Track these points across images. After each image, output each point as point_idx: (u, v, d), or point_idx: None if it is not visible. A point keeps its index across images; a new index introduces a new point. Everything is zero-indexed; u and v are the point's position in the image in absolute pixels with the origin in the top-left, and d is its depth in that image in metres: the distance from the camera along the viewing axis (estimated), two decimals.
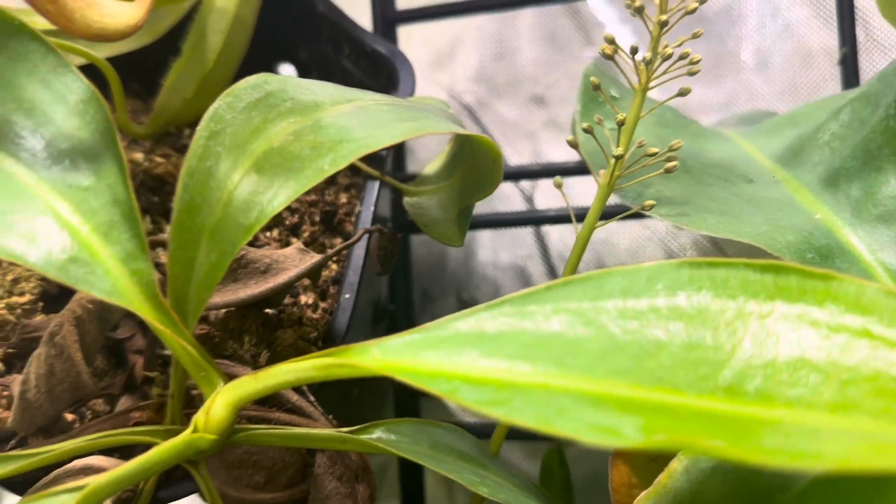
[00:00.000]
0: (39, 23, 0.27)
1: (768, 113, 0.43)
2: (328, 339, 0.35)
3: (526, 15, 0.59)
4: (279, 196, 0.24)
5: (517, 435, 0.43)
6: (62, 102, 0.25)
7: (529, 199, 0.57)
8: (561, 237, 0.57)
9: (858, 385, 0.19)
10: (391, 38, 0.47)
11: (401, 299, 0.48)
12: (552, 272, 0.57)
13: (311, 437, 0.28)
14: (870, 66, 0.48)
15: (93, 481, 0.23)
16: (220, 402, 0.25)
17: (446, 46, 0.59)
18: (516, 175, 0.48)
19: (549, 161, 0.55)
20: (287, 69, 0.52)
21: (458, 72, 0.59)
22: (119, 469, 0.23)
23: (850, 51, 0.40)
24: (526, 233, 0.58)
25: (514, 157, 0.57)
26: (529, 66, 0.58)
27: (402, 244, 0.47)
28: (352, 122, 0.26)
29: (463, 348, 0.23)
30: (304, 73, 0.46)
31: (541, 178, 0.50)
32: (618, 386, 0.20)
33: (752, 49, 0.53)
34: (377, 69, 0.42)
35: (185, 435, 0.25)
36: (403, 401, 0.49)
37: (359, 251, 0.36)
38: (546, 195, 0.57)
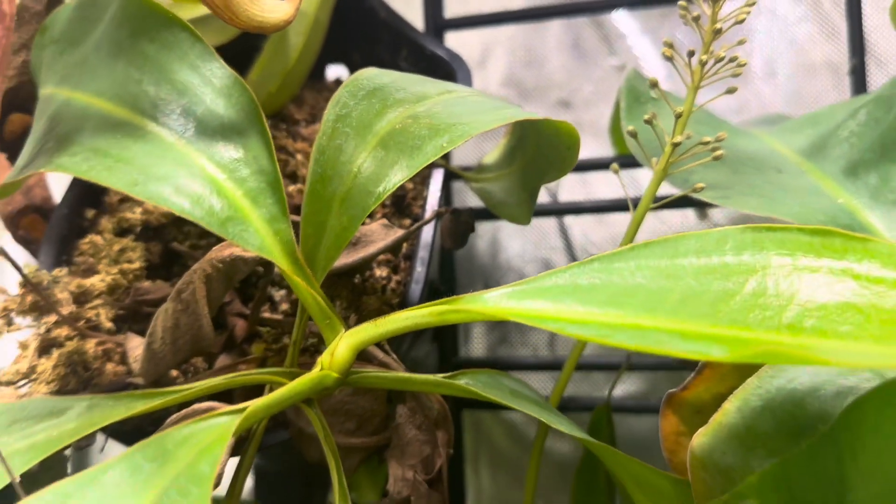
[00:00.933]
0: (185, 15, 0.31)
1: (782, 116, 0.48)
2: (403, 306, 0.39)
3: (554, 26, 0.63)
4: (404, 169, 0.28)
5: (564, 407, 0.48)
6: (209, 85, 0.29)
7: (554, 195, 0.62)
8: (583, 231, 0.62)
9: (894, 323, 0.24)
10: (439, 37, 0.52)
11: (447, 282, 0.52)
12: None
13: (413, 381, 0.32)
14: (871, 79, 0.54)
15: (251, 405, 0.27)
16: (344, 344, 0.29)
17: (479, 53, 0.64)
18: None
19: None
20: (339, 70, 0.56)
21: (490, 76, 0.64)
22: (270, 396, 0.27)
23: (859, 62, 0.45)
24: (549, 227, 0.63)
25: None
26: (556, 73, 0.63)
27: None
28: (458, 108, 0.30)
29: (562, 297, 0.27)
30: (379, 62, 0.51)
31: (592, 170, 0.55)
32: (700, 325, 0.25)
33: (762, 60, 0.58)
34: (434, 71, 0.46)
35: (315, 372, 0.29)
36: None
37: (427, 230, 0.40)
38: (567, 189, 0.61)
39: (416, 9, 0.52)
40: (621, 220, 0.59)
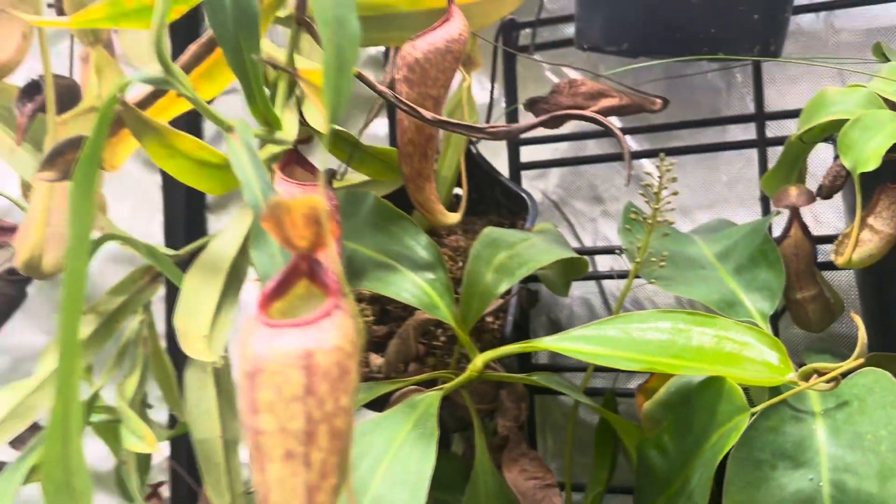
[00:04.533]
0: None
1: (726, 222, 0.80)
2: (503, 340, 0.73)
3: (590, 144, 0.96)
4: (507, 282, 0.62)
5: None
6: (419, 245, 0.64)
7: (594, 263, 0.95)
8: (613, 288, 0.95)
9: (716, 353, 0.56)
10: (518, 179, 0.86)
11: (524, 322, 0.87)
12: (606, 302, 0.94)
13: (508, 377, 0.66)
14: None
15: (444, 387, 0.61)
16: (479, 360, 0.63)
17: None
18: (587, 252, 0.86)
19: (605, 235, 0.93)
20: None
21: (549, 181, 0.97)
22: (450, 383, 0.62)
23: (762, 196, 0.77)
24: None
25: (584, 235, 0.95)
26: (592, 178, 0.96)
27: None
28: (532, 251, 0.64)
29: (577, 341, 0.60)
30: (474, 203, 0.85)
31: (602, 254, 0.88)
32: (644, 356, 0.58)
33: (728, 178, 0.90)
34: (517, 203, 0.80)
35: (466, 373, 0.63)
36: None
37: (514, 300, 0.74)
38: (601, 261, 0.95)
39: (503, 158, 0.86)
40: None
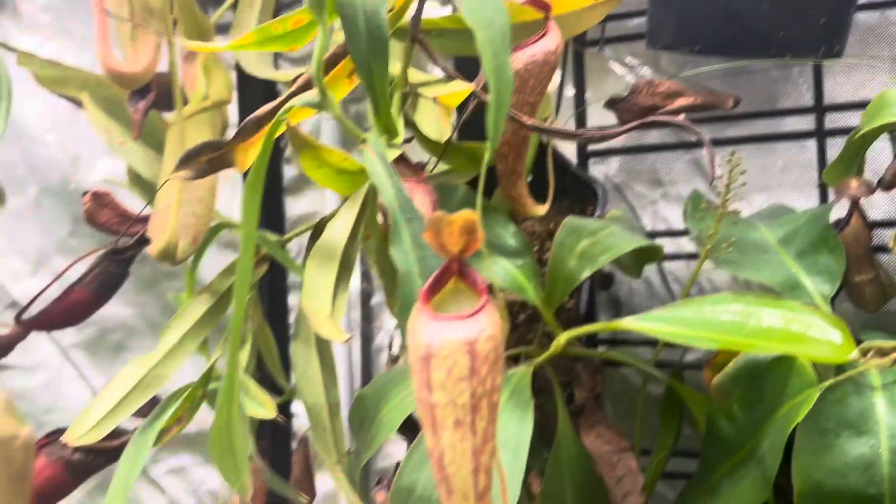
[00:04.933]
0: None
1: (782, 209, 0.85)
2: (578, 320, 0.80)
3: (652, 133, 1.02)
4: (589, 269, 0.69)
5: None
6: (508, 234, 0.71)
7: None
8: (672, 268, 1.00)
9: (784, 333, 0.62)
10: (585, 166, 0.92)
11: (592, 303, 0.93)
12: (665, 282, 1.00)
13: (585, 352, 0.72)
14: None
15: (534, 362, 0.68)
16: (563, 337, 0.70)
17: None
18: (651, 235, 0.92)
19: (665, 217, 0.99)
20: None
21: (610, 166, 1.03)
22: (538, 358, 0.69)
23: (820, 183, 0.83)
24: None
25: (645, 218, 1.01)
26: (652, 162, 1.02)
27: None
28: (612, 239, 0.70)
29: (655, 321, 0.66)
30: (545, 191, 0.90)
31: (663, 237, 0.94)
32: (711, 334, 0.64)
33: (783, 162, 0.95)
34: (586, 189, 0.86)
35: (552, 349, 0.70)
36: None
37: (587, 283, 0.80)
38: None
39: (571, 144, 0.92)
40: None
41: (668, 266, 1.00)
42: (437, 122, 0.57)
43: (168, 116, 0.80)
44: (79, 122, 1.29)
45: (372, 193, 0.64)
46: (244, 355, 0.79)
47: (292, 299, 1.25)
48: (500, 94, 0.40)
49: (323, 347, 0.78)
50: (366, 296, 1.22)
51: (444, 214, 0.39)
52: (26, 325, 1.12)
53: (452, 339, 0.38)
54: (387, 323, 1.20)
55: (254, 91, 1.08)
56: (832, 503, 0.58)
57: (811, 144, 0.90)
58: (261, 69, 0.78)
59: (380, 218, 0.66)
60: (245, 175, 1.22)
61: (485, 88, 0.68)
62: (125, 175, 0.86)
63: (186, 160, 0.64)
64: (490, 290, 0.40)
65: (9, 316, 1.27)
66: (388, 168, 0.51)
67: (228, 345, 0.48)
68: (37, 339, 1.30)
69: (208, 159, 0.63)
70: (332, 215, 0.76)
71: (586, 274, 0.68)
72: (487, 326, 0.38)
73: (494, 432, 0.38)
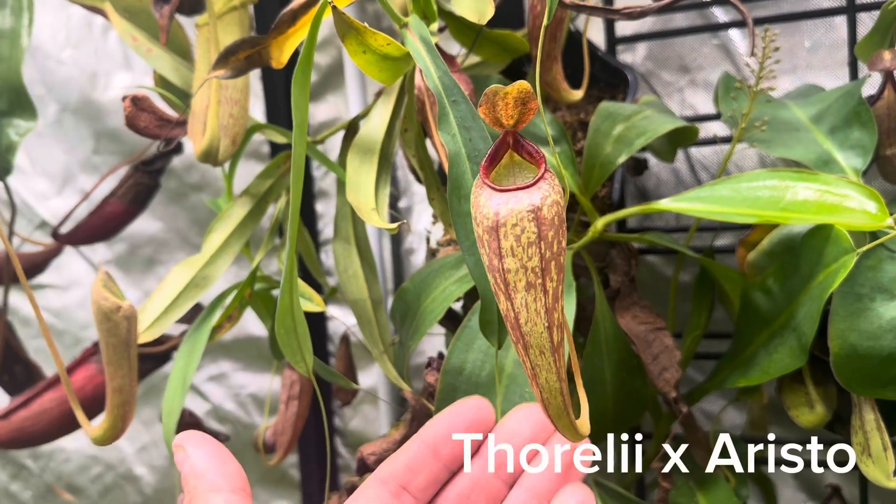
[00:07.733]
0: None
1: (813, 88, 0.85)
2: (612, 206, 0.81)
3: (678, 17, 1.00)
4: (625, 153, 0.70)
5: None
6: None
7: None
8: (699, 156, 1.00)
9: (820, 204, 0.63)
10: (613, 53, 0.91)
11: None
12: (692, 169, 1.00)
13: (619, 237, 0.74)
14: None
15: (573, 246, 0.70)
16: (600, 222, 0.72)
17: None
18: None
19: (692, 104, 0.99)
20: None
21: (637, 54, 1.02)
22: (577, 244, 0.70)
23: (851, 59, 0.82)
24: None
25: (672, 105, 1.00)
26: (679, 49, 1.01)
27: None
28: (647, 123, 0.71)
29: (693, 201, 0.68)
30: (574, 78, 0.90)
31: (693, 121, 0.94)
32: (751, 210, 0.65)
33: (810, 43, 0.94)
34: (615, 76, 0.85)
35: (590, 234, 0.72)
36: None
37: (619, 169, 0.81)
38: None
39: (599, 31, 0.91)
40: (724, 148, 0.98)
41: (696, 154, 1.00)
42: (475, 2, 0.56)
43: (196, 19, 0.80)
44: (92, 38, 1.29)
45: (410, 84, 0.65)
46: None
47: (319, 206, 1.26)
48: None
49: (363, 245, 0.80)
50: (393, 199, 1.24)
51: (499, 86, 0.39)
52: (64, 241, 1.15)
53: (519, 208, 0.39)
54: (416, 225, 1.22)
55: None
56: (866, 364, 0.60)
57: (839, 23, 0.89)
58: None
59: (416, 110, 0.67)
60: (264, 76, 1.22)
61: None
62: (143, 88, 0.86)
63: (224, 59, 0.64)
64: (545, 159, 0.41)
65: (39, 236, 1.30)
66: (432, 50, 0.51)
67: (288, 228, 0.50)
68: (69, 258, 1.33)
69: (246, 56, 0.63)
70: (366, 113, 0.76)
71: (623, 158, 0.69)
72: (550, 193, 0.40)
73: (563, 292, 0.40)
